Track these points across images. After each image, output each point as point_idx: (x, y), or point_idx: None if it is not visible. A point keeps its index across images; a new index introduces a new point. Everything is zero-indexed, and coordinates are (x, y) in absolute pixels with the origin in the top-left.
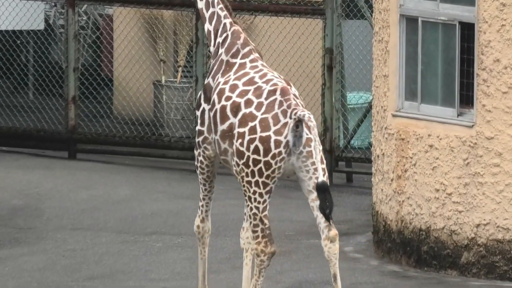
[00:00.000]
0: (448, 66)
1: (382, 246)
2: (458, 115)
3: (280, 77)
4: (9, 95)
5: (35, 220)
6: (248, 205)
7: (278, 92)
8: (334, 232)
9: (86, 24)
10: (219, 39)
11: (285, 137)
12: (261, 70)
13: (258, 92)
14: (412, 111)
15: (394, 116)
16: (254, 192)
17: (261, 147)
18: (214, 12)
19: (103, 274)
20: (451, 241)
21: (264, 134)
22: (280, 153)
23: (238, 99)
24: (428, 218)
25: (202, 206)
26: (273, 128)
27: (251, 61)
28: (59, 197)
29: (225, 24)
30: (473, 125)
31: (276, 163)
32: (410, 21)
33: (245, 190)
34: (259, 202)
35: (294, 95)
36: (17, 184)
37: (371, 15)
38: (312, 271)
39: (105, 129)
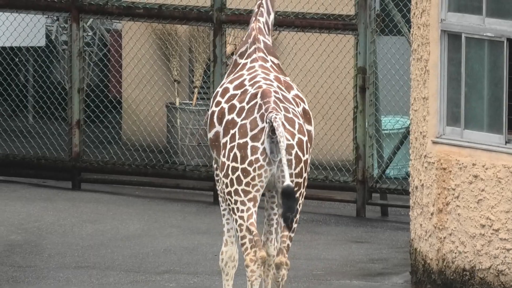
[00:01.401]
0: (495, 88)
1: None
2: (506, 142)
3: (278, 78)
4: (7, 119)
5: (35, 257)
6: (233, 219)
7: (259, 95)
8: (279, 259)
9: (92, 40)
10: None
11: (262, 143)
12: (255, 71)
13: (242, 96)
14: (455, 138)
15: (434, 143)
16: (236, 202)
17: (238, 154)
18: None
19: None
20: (498, 283)
21: (241, 141)
22: (257, 159)
23: (224, 105)
24: (472, 257)
25: (228, 231)
26: (249, 134)
27: (252, 61)
28: (62, 232)
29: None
30: None
31: (254, 170)
32: (452, 38)
33: (228, 204)
34: (242, 211)
35: (279, 98)
36: (16, 218)
37: (409, 31)
38: None
39: (113, 156)
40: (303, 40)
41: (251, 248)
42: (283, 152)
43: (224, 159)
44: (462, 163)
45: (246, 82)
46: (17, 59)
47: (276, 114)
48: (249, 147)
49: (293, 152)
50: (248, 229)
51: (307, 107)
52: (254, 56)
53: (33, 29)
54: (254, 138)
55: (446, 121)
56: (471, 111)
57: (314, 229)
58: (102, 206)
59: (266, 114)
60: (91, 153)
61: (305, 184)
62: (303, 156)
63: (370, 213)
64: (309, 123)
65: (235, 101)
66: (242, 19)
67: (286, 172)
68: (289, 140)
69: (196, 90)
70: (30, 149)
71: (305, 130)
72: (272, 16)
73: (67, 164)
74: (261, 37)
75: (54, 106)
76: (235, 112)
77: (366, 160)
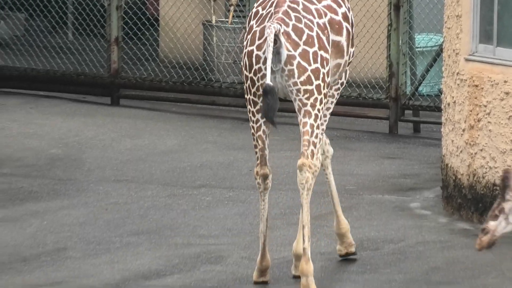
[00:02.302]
0: None
1: (452, 202)
2: None
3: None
4: (47, 35)
5: (75, 171)
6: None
7: (274, 3)
8: (301, 161)
9: None
10: None
11: (263, 53)
12: None
13: (266, 3)
14: (487, 55)
15: (467, 60)
16: (249, 111)
17: (247, 63)
18: None
19: (148, 229)
20: None
21: (249, 49)
22: (260, 69)
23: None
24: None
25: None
26: (257, 42)
27: None
28: (101, 147)
29: None
30: None
31: (258, 80)
32: None
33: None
34: (253, 122)
35: (293, 8)
36: (56, 132)
37: None
38: (374, 228)
39: (151, 73)
40: None
41: (257, 159)
42: (269, 56)
43: (241, 66)
44: (494, 80)
45: None
46: None
47: (271, 24)
48: (254, 55)
49: (295, 62)
50: (257, 140)
51: (338, 18)
52: None
53: None
54: (259, 47)
55: (479, 38)
56: (503, 29)
57: (347, 145)
58: (140, 121)
59: (268, 23)
60: (129, 70)
61: (325, 91)
62: (309, 65)
63: (402, 130)
64: (337, 33)
65: (259, 8)
66: None
67: (268, 73)
68: (290, 51)
69: (232, 8)
70: (70, 65)
71: (316, 40)
72: None
73: (106, 80)
74: None
75: (93, 23)
76: (255, 18)
77: (400, 78)
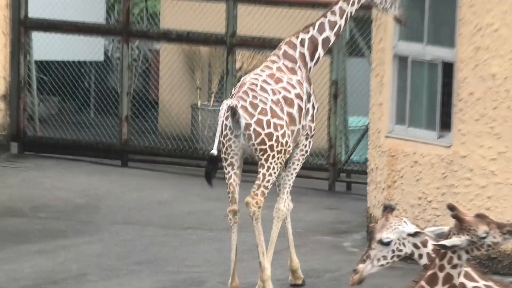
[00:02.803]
0: (431, 97)
1: None
2: (438, 137)
3: (272, 74)
4: (74, 114)
5: (94, 215)
6: None
7: (239, 87)
8: (247, 199)
9: (138, 56)
10: None
11: (229, 122)
12: (259, 69)
13: (236, 89)
14: (401, 133)
15: (386, 137)
16: (223, 166)
17: (219, 130)
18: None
19: (148, 260)
20: None
21: (221, 120)
22: (226, 134)
23: None
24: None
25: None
26: (225, 115)
27: (265, 62)
28: (114, 197)
29: None
30: (450, 146)
31: (226, 142)
32: (401, 60)
33: None
34: (226, 173)
35: (252, 89)
36: (80, 186)
37: (370, 54)
38: (316, 261)
39: (151, 143)
40: None
41: (229, 201)
42: (218, 129)
43: None
44: (406, 152)
45: (246, 76)
46: (82, 70)
47: (228, 100)
48: (223, 124)
49: (251, 128)
50: (229, 186)
51: (291, 96)
52: (268, 58)
53: (95, 48)
54: (226, 118)
55: (395, 121)
56: (413, 114)
57: (298, 198)
58: (143, 179)
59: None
60: (136, 140)
61: (279, 148)
62: (263, 130)
63: (338, 188)
64: (290, 106)
65: (233, 91)
66: (248, 43)
67: (215, 143)
68: (247, 120)
69: (213, 95)
70: (91, 136)
71: (269, 111)
72: (325, 35)
73: (118, 148)
74: (283, 46)
75: (109, 104)
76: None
77: (337, 149)
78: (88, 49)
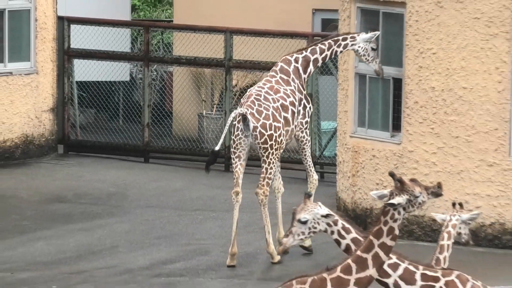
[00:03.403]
0: (385, 106)
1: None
2: (391, 137)
3: (272, 86)
4: (107, 122)
5: (123, 201)
6: None
7: (247, 97)
8: (256, 190)
9: (156, 77)
10: None
11: (241, 125)
12: (261, 82)
13: (244, 99)
14: (362, 134)
15: (351, 137)
16: (231, 158)
17: (232, 130)
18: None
19: (165, 235)
20: None
21: (228, 124)
22: (237, 134)
23: None
24: (371, 202)
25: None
26: (237, 119)
27: (266, 76)
28: (138, 187)
29: None
30: (400, 143)
31: (237, 140)
32: (361, 77)
33: None
34: (233, 163)
35: (257, 98)
36: (112, 178)
37: (337, 73)
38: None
39: (167, 144)
40: None
41: (234, 185)
42: (224, 130)
43: None
44: (366, 148)
45: (252, 89)
46: (113, 88)
47: (239, 109)
48: (236, 127)
49: (258, 130)
50: (234, 173)
51: (286, 103)
52: (268, 73)
53: (122, 71)
54: (239, 122)
55: (357, 124)
56: (371, 118)
57: (284, 185)
58: (160, 172)
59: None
60: (155, 142)
61: (276, 146)
62: (266, 132)
63: None
64: (285, 112)
65: (242, 100)
66: (242, 65)
67: (220, 142)
68: (254, 123)
69: (215, 106)
70: (120, 139)
71: (271, 116)
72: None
73: (141, 148)
74: (280, 63)
75: (134, 114)
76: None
77: (312, 147)
78: (117, 72)
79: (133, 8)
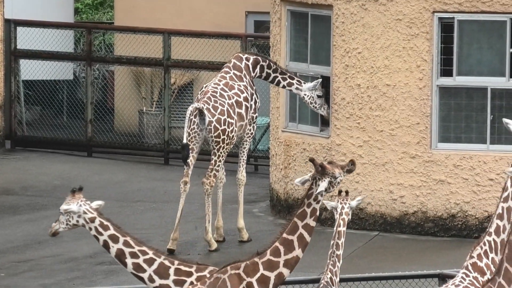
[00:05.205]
0: None
1: (275, 209)
2: (320, 131)
3: (226, 83)
4: (52, 118)
5: (67, 193)
6: None
7: (203, 93)
8: (203, 179)
9: (98, 76)
10: None
11: (197, 119)
12: (216, 78)
13: (200, 94)
14: (293, 129)
15: (283, 131)
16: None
17: (187, 125)
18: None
19: None
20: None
21: (187, 118)
22: (193, 128)
23: None
24: (303, 192)
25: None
26: (194, 113)
27: (220, 72)
28: (82, 179)
29: None
30: (329, 137)
31: (192, 133)
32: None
33: None
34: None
35: (213, 95)
36: (57, 171)
37: None
38: (233, 223)
39: (109, 138)
40: (212, 77)
41: (184, 175)
42: (186, 123)
43: None
44: (297, 142)
45: (208, 85)
46: (57, 86)
47: (196, 104)
48: (192, 121)
49: (212, 124)
50: (186, 165)
51: (240, 99)
52: (222, 69)
53: (66, 70)
54: (195, 116)
55: (289, 119)
56: (302, 114)
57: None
58: (103, 166)
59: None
60: (98, 137)
61: (228, 141)
62: (220, 126)
63: (248, 169)
64: (239, 108)
65: (198, 96)
66: (180, 64)
67: (185, 135)
68: (210, 118)
69: (154, 103)
70: (64, 135)
71: (226, 112)
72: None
73: (84, 143)
74: (233, 59)
75: (78, 111)
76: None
77: None
78: (61, 71)
79: (76, 11)
